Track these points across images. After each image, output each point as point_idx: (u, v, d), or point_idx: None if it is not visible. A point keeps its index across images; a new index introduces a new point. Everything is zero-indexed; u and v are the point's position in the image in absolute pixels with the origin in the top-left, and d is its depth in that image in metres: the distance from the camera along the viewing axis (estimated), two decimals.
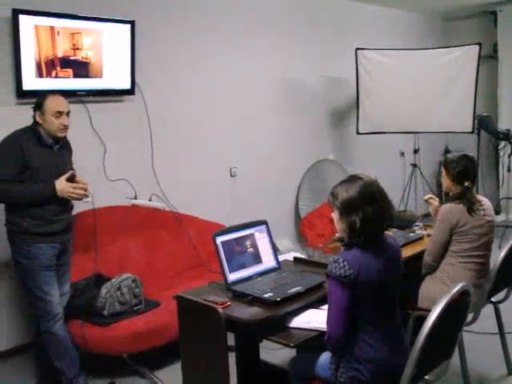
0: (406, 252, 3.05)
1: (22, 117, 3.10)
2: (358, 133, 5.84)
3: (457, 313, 2.18)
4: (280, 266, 2.74)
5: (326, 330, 2.10)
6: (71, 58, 3.75)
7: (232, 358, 2.41)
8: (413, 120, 5.74)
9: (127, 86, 4.11)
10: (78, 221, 3.46)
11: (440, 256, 2.99)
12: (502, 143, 6.65)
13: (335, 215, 2.16)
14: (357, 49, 5.67)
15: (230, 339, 2.32)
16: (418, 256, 3.14)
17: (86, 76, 3.86)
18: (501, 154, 6.76)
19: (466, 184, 2.96)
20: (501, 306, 3.16)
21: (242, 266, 2.59)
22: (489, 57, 6.82)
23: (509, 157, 6.39)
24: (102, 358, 3.28)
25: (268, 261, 2.71)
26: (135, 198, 4.01)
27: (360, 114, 5.79)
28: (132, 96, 4.19)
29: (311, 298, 2.43)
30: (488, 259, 3.03)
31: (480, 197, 3.04)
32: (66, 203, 3.09)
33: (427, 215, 6.08)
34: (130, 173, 4.13)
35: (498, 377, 3.21)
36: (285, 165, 5.50)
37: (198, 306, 2.37)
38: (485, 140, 6.67)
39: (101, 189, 3.39)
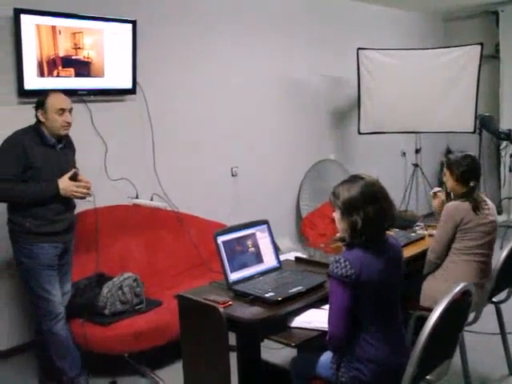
0: (408, 252, 3.05)
1: (24, 116, 3.11)
2: (360, 133, 5.84)
3: (458, 313, 2.18)
4: (281, 266, 2.74)
5: (327, 329, 2.10)
6: (73, 57, 3.76)
7: (233, 358, 2.41)
8: (414, 120, 5.73)
9: (129, 85, 4.11)
10: (80, 220, 3.46)
11: (444, 254, 3.00)
12: (504, 143, 6.66)
13: (337, 215, 2.16)
14: (358, 48, 5.67)
15: (231, 339, 2.32)
16: (420, 256, 3.14)
17: (88, 75, 3.86)
18: (502, 154, 6.76)
19: (472, 184, 2.98)
20: (502, 306, 3.16)
21: (244, 266, 2.59)
22: (490, 57, 6.81)
23: (510, 157, 6.40)
24: (103, 358, 3.28)
25: (269, 260, 2.71)
26: (137, 198, 4.01)
27: (361, 114, 5.79)
28: (133, 95, 4.19)
29: (312, 297, 2.43)
30: (490, 259, 3.03)
31: (484, 196, 3.05)
32: (68, 202, 3.09)
33: (428, 215, 6.10)
34: (132, 172, 4.13)
35: (499, 377, 3.21)
36: (286, 165, 5.51)
37: (199, 306, 2.37)
38: (486, 140, 6.66)
39: (102, 188, 3.40)
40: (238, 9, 4.96)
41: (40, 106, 2.97)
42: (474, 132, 5.78)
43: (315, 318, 2.28)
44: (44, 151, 2.96)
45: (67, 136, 3.11)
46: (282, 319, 2.30)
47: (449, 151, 7.04)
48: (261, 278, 2.59)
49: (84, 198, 3.06)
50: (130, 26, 4.00)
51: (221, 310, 2.24)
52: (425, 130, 5.87)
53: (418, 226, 3.61)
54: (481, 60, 5.54)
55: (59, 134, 3.01)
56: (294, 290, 2.42)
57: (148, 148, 4.33)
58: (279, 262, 2.75)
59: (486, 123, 6.15)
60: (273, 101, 5.34)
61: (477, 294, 2.51)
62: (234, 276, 2.52)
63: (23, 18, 3.47)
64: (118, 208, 4.00)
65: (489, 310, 3.04)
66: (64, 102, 3.01)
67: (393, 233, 2.93)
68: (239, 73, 4.98)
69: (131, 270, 3.63)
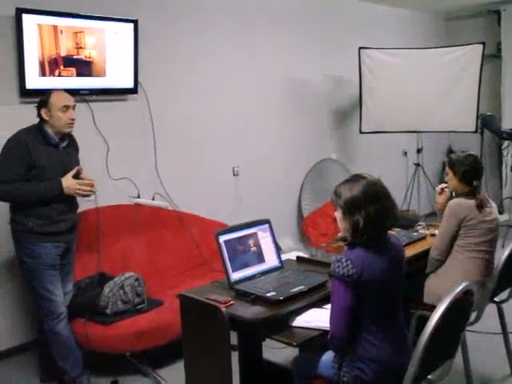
0: (409, 251, 3.05)
1: (26, 115, 3.11)
2: (361, 132, 5.84)
3: (460, 312, 2.18)
4: (283, 265, 2.74)
5: (328, 329, 2.10)
6: (74, 56, 3.76)
7: (235, 357, 2.41)
8: (416, 119, 5.73)
9: (130, 85, 4.11)
10: (81, 220, 3.46)
11: (446, 251, 3.00)
12: (506, 143, 6.65)
13: (338, 214, 2.16)
14: (360, 48, 5.66)
15: (233, 338, 2.32)
16: (421, 255, 3.14)
17: (89, 75, 3.87)
18: (504, 153, 6.75)
19: (475, 183, 2.99)
20: (504, 305, 3.15)
21: (245, 265, 2.58)
22: (492, 56, 6.80)
23: None
24: (104, 357, 3.29)
25: (271, 260, 2.70)
26: (138, 197, 4.02)
27: (363, 114, 5.78)
28: (135, 95, 4.20)
29: (314, 297, 2.43)
30: (493, 257, 3.04)
31: (486, 195, 3.06)
32: (71, 202, 3.10)
33: (430, 215, 6.10)
34: (133, 172, 4.14)
35: (500, 377, 3.21)
36: (287, 164, 5.50)
37: (201, 305, 2.37)
38: (488, 139, 6.66)
39: (104, 188, 3.39)
40: (240, 9, 4.95)
41: (43, 104, 2.97)
42: (475, 131, 5.77)
43: (317, 318, 2.28)
44: (47, 150, 2.96)
45: (70, 135, 3.11)
46: (284, 319, 2.29)
47: (450, 151, 7.03)
48: (262, 277, 2.59)
49: (88, 195, 3.07)
50: (131, 25, 4.00)
51: (223, 309, 2.24)
52: (426, 129, 5.87)
53: (419, 225, 3.61)
54: (483, 59, 5.53)
55: (64, 132, 3.01)
56: (296, 289, 2.41)
57: (150, 147, 4.34)
58: (281, 261, 2.75)
59: (487, 123, 6.14)
60: (274, 100, 5.34)
61: (479, 292, 2.51)
62: (235, 275, 2.52)
63: (25, 17, 3.47)
64: (120, 207, 4.01)
65: (490, 309, 3.04)
66: (67, 99, 3.02)
67: (394, 232, 2.93)
68: (241, 72, 4.98)
69: (133, 269, 3.63)
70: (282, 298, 2.33)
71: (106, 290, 3.32)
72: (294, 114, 5.57)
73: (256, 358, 2.70)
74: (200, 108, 4.69)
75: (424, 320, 2.03)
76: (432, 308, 2.04)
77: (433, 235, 3.35)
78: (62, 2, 3.70)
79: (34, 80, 3.58)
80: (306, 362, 2.37)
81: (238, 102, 4.98)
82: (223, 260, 2.51)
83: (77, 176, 3.01)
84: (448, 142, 7.26)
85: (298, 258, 2.98)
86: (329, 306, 2.13)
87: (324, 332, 2.17)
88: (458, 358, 2.52)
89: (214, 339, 2.31)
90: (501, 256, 2.88)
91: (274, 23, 5.25)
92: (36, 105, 3.00)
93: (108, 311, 3.29)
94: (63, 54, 3.69)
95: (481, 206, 2.93)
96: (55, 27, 3.63)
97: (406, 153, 6.82)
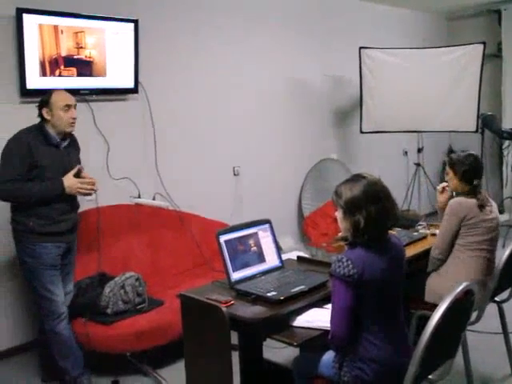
0: (410, 251, 3.05)
1: (26, 115, 3.12)
2: (362, 132, 5.84)
3: (461, 312, 2.18)
4: (283, 265, 2.74)
5: (329, 329, 2.10)
6: (75, 56, 3.76)
7: (235, 357, 2.41)
8: (416, 119, 5.73)
9: (131, 84, 4.11)
10: (82, 219, 3.46)
11: (447, 250, 3.00)
12: (506, 142, 6.65)
13: (339, 214, 2.15)
14: (360, 48, 5.66)
15: (234, 338, 2.32)
16: (422, 255, 3.14)
17: (90, 75, 3.87)
18: (505, 153, 6.75)
19: (475, 182, 3.00)
20: (505, 305, 3.15)
21: (246, 265, 2.58)
22: (493, 56, 6.80)
23: None
24: (105, 357, 3.29)
25: (271, 260, 2.70)
26: (139, 197, 4.02)
27: (363, 113, 5.78)
28: (135, 95, 4.20)
29: (315, 297, 2.43)
30: (494, 256, 3.04)
31: (487, 194, 3.07)
32: (73, 202, 3.10)
33: (431, 214, 6.10)
34: (134, 171, 4.14)
35: (501, 376, 3.21)
36: (288, 164, 5.50)
37: (202, 305, 2.37)
38: (489, 139, 6.66)
39: (104, 187, 3.39)
40: (242, 9, 4.95)
41: (45, 104, 2.97)
42: (476, 131, 5.77)
43: (317, 318, 2.28)
44: (48, 150, 2.96)
45: (71, 135, 3.12)
46: (284, 318, 2.29)
47: (451, 150, 7.03)
48: (263, 277, 2.59)
49: (89, 194, 3.07)
50: (131, 25, 4.00)
51: (223, 309, 2.24)
52: (427, 129, 5.87)
53: (420, 225, 3.61)
54: (483, 59, 5.53)
55: (66, 131, 3.01)
56: (297, 289, 2.41)
57: (150, 147, 4.34)
58: (281, 261, 2.75)
59: (488, 122, 6.14)
60: (275, 100, 5.33)
61: (480, 292, 2.51)
62: (236, 275, 2.52)
63: (26, 17, 3.47)
64: (120, 207, 4.01)
65: (491, 309, 3.04)
66: (69, 98, 3.02)
67: (395, 232, 2.92)
68: (242, 72, 4.98)
69: (133, 269, 3.63)
70: (282, 298, 2.33)
71: (107, 289, 3.32)
72: (295, 114, 5.57)
73: (256, 357, 2.70)
74: (200, 108, 4.69)
75: (424, 320, 2.03)
76: (433, 307, 2.04)
77: (433, 235, 3.35)
78: (62, 2, 3.70)
79: (35, 80, 3.58)
80: (306, 362, 2.37)
81: (238, 101, 4.98)
82: (224, 260, 2.51)
83: (78, 175, 3.02)
84: (449, 141, 7.26)
85: (299, 257, 2.98)
86: (329, 305, 2.13)
87: (325, 332, 2.17)
88: (459, 357, 2.52)
89: (215, 339, 2.31)
90: (501, 256, 2.88)
91: (274, 23, 5.24)
92: (37, 104, 3.01)
93: (109, 311, 3.29)
94: (64, 53, 3.69)
95: (482, 206, 2.94)
96: (56, 27, 3.63)
97: (406, 152, 6.82)
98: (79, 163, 3.15)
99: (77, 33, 3.75)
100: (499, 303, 3.13)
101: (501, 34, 6.87)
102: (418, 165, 6.39)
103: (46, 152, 2.94)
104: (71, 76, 3.76)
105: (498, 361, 3.25)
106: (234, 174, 5.02)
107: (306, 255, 3.12)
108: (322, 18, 5.76)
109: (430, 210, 6.53)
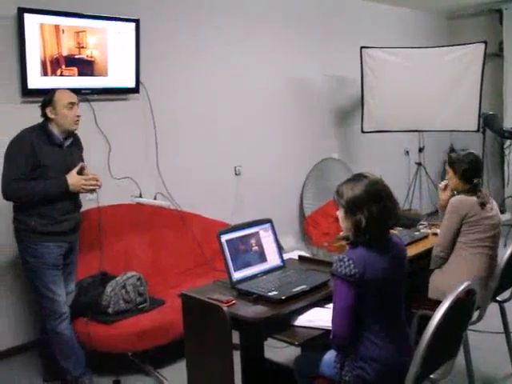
0: (411, 251, 3.05)
1: (27, 115, 3.12)
2: (363, 131, 5.83)
3: (462, 311, 2.17)
4: (285, 265, 2.74)
5: (330, 328, 2.09)
6: (76, 56, 3.76)
7: (237, 357, 2.42)
8: (418, 118, 5.72)
9: (132, 84, 4.11)
10: (84, 219, 3.46)
11: (449, 248, 3.00)
12: (508, 142, 6.65)
13: (340, 214, 2.15)
14: (361, 47, 5.65)
15: (235, 337, 2.32)
16: (424, 254, 3.14)
17: (91, 74, 3.87)
18: (506, 152, 6.75)
19: (475, 181, 3.00)
20: (506, 304, 3.15)
21: (247, 265, 2.58)
22: (494, 55, 6.79)
23: None
24: (106, 356, 3.29)
25: (273, 259, 2.70)
26: (140, 197, 4.02)
27: (365, 113, 5.78)
28: (137, 94, 4.20)
29: (316, 296, 2.43)
30: (496, 253, 3.04)
31: (487, 192, 3.08)
32: (75, 201, 3.10)
33: (432, 214, 6.09)
34: (135, 171, 4.14)
35: (503, 376, 3.21)
36: (289, 163, 5.50)
37: (203, 305, 2.37)
38: (490, 139, 6.65)
39: (106, 187, 3.39)
40: (242, 9, 4.95)
41: (48, 103, 2.97)
42: (477, 131, 5.76)
43: (319, 317, 2.28)
44: (51, 150, 2.96)
45: (74, 134, 3.12)
46: (286, 318, 2.29)
47: (452, 150, 7.02)
48: (264, 276, 2.59)
49: (94, 190, 3.07)
50: (133, 24, 4.01)
51: (224, 308, 2.24)
52: (428, 128, 5.86)
53: (421, 224, 3.61)
54: (485, 58, 5.52)
55: (70, 129, 3.02)
56: (298, 288, 2.41)
57: (151, 147, 4.34)
58: (283, 260, 2.75)
59: (489, 122, 6.13)
60: (276, 99, 5.33)
61: (481, 291, 2.51)
62: (237, 275, 2.52)
63: (27, 17, 3.47)
64: (122, 207, 4.01)
65: (493, 308, 3.04)
66: (72, 96, 3.04)
67: (396, 231, 2.92)
68: (243, 72, 4.98)
69: (135, 268, 3.63)
70: (283, 298, 2.33)
71: (108, 289, 3.32)
72: (296, 114, 5.56)
73: (258, 357, 2.70)
74: (201, 107, 4.69)
75: (426, 319, 2.03)
76: (435, 305, 2.04)
77: (435, 234, 3.34)
78: (63, 1, 3.70)
79: (36, 80, 3.58)
80: (307, 362, 2.37)
81: (239, 101, 4.98)
82: (225, 259, 2.51)
83: (80, 173, 3.02)
84: (450, 141, 7.26)
85: (300, 257, 2.98)
86: (331, 305, 2.13)
87: (326, 331, 2.17)
88: (460, 357, 2.51)
89: (216, 338, 2.32)
90: (503, 255, 2.88)
91: (275, 23, 5.24)
92: (40, 104, 3.01)
93: (110, 310, 3.29)
94: (65, 53, 3.70)
95: (483, 204, 2.95)
96: (57, 27, 3.63)
97: (407, 152, 6.82)
98: (83, 162, 3.16)
99: (78, 32, 3.75)
100: (501, 303, 3.13)
101: (502, 33, 6.87)
102: (419, 164, 6.38)
103: (49, 151, 2.95)
104: (72, 76, 3.76)
105: (500, 360, 3.25)
106: (236, 174, 5.02)
107: (308, 255, 3.12)
108: (324, 17, 5.75)
109: (431, 209, 6.52)
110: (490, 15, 7.06)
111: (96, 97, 3.95)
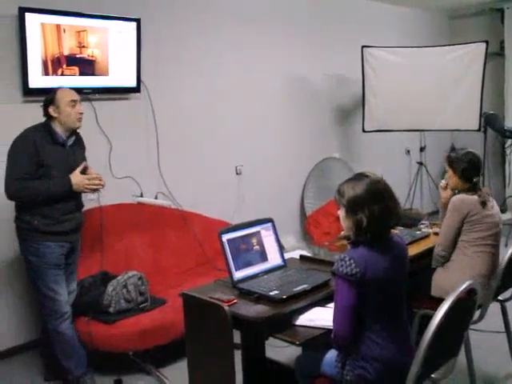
0: (412, 250, 3.04)
1: (28, 114, 3.12)
2: (364, 131, 5.83)
3: (463, 311, 2.17)
4: (286, 264, 2.74)
5: (332, 328, 2.09)
6: (77, 55, 3.76)
7: (238, 356, 2.42)
8: (419, 118, 5.72)
9: (133, 83, 4.11)
10: (85, 219, 3.47)
11: (451, 247, 3.01)
12: (509, 141, 6.63)
13: (341, 213, 2.15)
14: (363, 46, 5.65)
15: (236, 337, 2.32)
16: (425, 254, 3.14)
17: (92, 74, 3.87)
18: (507, 152, 6.74)
19: (475, 180, 3.01)
20: (507, 304, 3.15)
21: (248, 264, 2.59)
22: (495, 54, 6.78)
23: None
24: (108, 356, 3.29)
25: (274, 259, 2.71)
26: (141, 196, 4.02)
27: (366, 112, 5.77)
28: (138, 94, 4.20)
29: (317, 296, 2.43)
30: (498, 251, 3.04)
31: (488, 191, 3.08)
32: (77, 200, 3.10)
33: (433, 213, 6.08)
34: (136, 170, 4.14)
35: (504, 375, 3.21)
36: (290, 163, 5.50)
37: (204, 304, 2.37)
38: (491, 138, 6.64)
39: (107, 187, 3.39)
40: (242, 8, 4.95)
41: (50, 102, 2.97)
42: (478, 130, 5.75)
43: (320, 317, 2.28)
44: (54, 149, 2.96)
45: (77, 133, 3.12)
46: (287, 317, 2.29)
47: (453, 149, 7.01)
48: (265, 276, 2.59)
49: (97, 189, 3.07)
50: (134, 24, 4.01)
51: (226, 308, 2.24)
52: (429, 127, 5.86)
53: (422, 224, 3.61)
54: (486, 58, 5.51)
55: (74, 127, 3.02)
56: (299, 288, 2.42)
57: (152, 146, 4.34)
58: (284, 260, 2.75)
59: (490, 121, 6.13)
60: (277, 99, 5.33)
61: (482, 291, 2.51)
62: (238, 274, 2.52)
63: (28, 16, 3.47)
64: (123, 206, 4.01)
65: (494, 308, 3.04)
66: (74, 94, 3.04)
67: (397, 231, 2.92)
68: (244, 71, 4.98)
69: (136, 268, 3.63)
70: (285, 297, 2.33)
71: (110, 288, 3.32)
72: (297, 113, 5.56)
73: (259, 356, 2.70)
74: (203, 107, 4.69)
75: (427, 319, 2.02)
76: (437, 304, 2.04)
77: (436, 234, 3.34)
78: (64, 1, 3.70)
79: (37, 79, 3.58)
80: (308, 361, 2.37)
81: (240, 101, 4.98)
82: (226, 259, 2.51)
83: (83, 172, 3.02)
84: (451, 140, 7.25)
85: (301, 256, 2.98)
86: (332, 304, 2.13)
87: (327, 331, 2.16)
88: (462, 356, 2.51)
89: (217, 338, 2.32)
90: (504, 254, 2.88)
91: (276, 23, 5.23)
92: (42, 104, 3.01)
93: (111, 310, 3.30)
94: (66, 52, 3.70)
95: (484, 202, 2.95)
96: (58, 26, 3.63)
97: (408, 151, 6.81)
98: (85, 161, 3.16)
99: (79, 32, 3.75)
100: (502, 302, 3.13)
101: (503, 32, 6.85)
102: (420, 164, 6.38)
103: (52, 151, 2.95)
104: (73, 75, 3.76)
105: (501, 360, 3.24)
106: (237, 173, 5.02)
107: (309, 254, 3.12)
108: (325, 17, 5.74)
109: (432, 208, 6.52)
110: (491, 14, 7.05)
111: (97, 96, 3.95)
